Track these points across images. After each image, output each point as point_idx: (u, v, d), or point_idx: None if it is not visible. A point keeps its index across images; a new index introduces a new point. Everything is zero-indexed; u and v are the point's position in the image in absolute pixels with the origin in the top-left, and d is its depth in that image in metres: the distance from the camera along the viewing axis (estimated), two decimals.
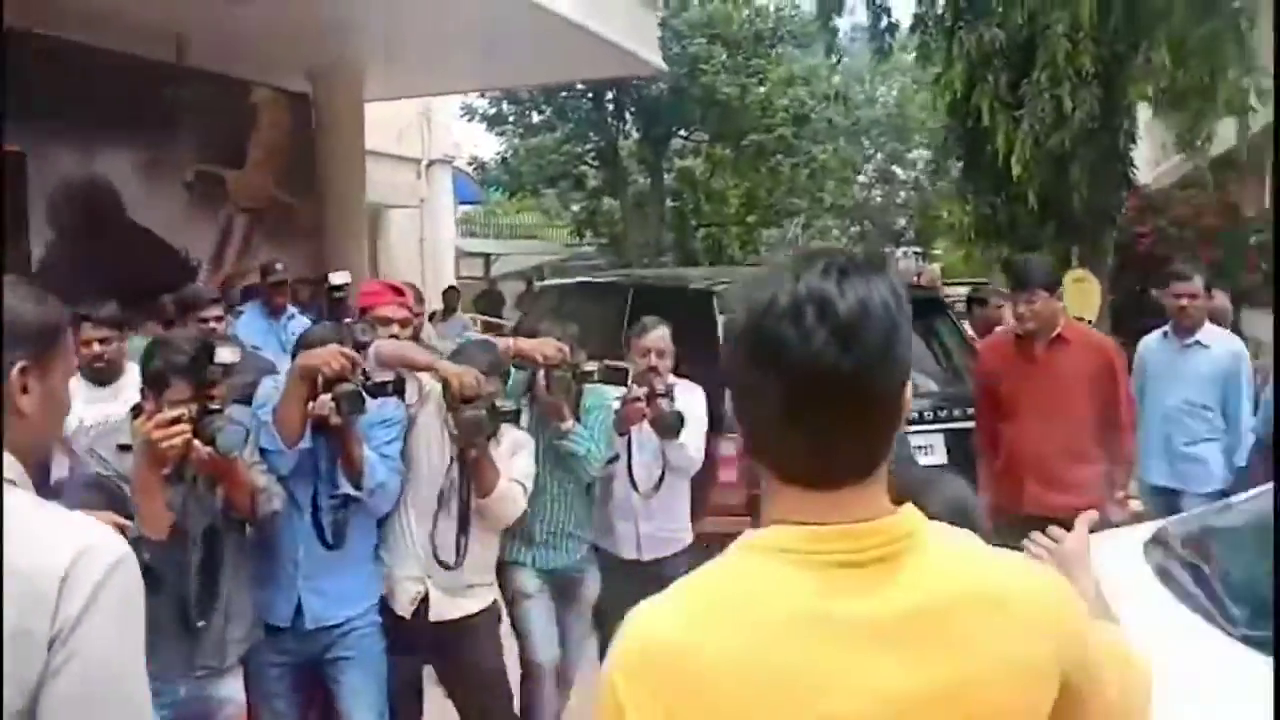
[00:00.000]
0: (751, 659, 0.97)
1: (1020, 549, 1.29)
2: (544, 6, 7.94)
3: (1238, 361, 4.49)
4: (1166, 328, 4.66)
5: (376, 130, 10.92)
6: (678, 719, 0.97)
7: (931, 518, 1.07)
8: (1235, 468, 4.56)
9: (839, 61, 12.05)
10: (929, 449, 4.78)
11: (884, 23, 10.48)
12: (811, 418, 0.99)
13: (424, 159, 15.35)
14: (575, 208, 23.52)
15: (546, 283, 8.30)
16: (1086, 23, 7.77)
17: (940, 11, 9.79)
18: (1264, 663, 1.24)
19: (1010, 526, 4.02)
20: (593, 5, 8.66)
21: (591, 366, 3.45)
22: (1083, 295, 8.78)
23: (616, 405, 3.58)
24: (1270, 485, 2.90)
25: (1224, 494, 4.61)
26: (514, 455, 3.15)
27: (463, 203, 17.90)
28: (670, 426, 3.52)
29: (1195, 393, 4.50)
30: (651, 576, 3.54)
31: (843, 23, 10.79)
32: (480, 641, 3.16)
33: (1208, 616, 2.29)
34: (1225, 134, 9.25)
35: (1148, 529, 3.36)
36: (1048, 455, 4.00)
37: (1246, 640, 2.09)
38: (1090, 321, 8.70)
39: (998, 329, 4.26)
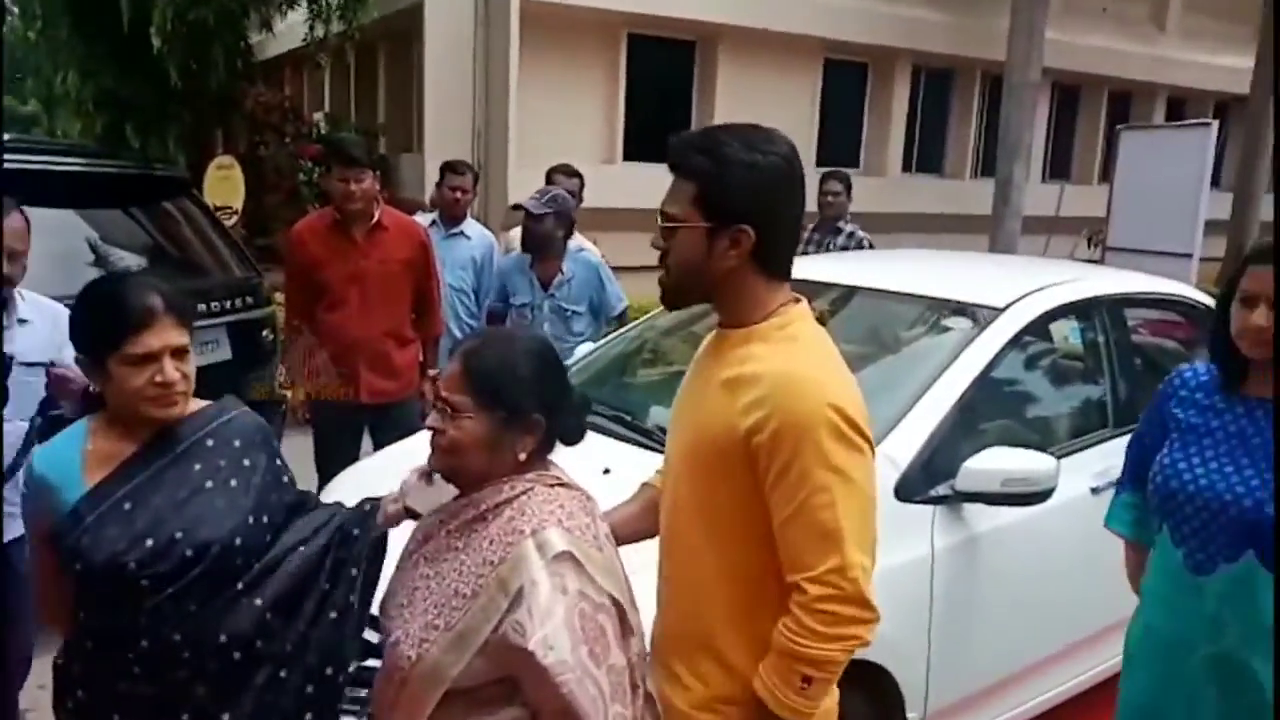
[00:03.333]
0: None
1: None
2: None
3: (490, 249, 4.99)
4: (434, 216, 4.91)
5: None
6: None
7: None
8: None
9: None
10: (214, 344, 4.22)
11: None
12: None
13: None
14: None
15: None
16: None
17: None
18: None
19: (350, 414, 3.91)
20: None
21: None
22: (229, 184, 8.54)
23: None
24: None
25: None
26: None
27: None
28: None
29: (456, 278, 4.86)
30: None
31: None
32: None
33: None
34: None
35: None
36: (375, 340, 3.94)
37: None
38: (235, 211, 8.55)
39: (314, 213, 3.95)
